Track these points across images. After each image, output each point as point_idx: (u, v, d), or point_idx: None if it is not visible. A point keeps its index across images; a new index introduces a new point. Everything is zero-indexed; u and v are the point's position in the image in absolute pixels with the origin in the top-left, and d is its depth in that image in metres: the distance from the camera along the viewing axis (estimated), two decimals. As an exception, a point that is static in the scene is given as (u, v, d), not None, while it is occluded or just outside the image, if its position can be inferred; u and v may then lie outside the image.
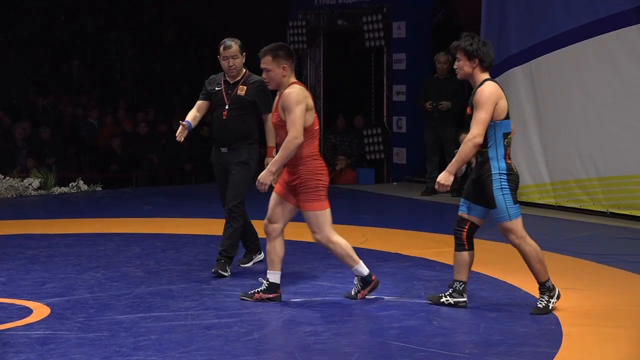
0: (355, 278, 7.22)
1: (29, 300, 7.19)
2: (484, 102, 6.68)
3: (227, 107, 7.99)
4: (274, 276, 7.10)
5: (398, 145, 15.16)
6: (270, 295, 7.07)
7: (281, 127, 6.92)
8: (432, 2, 15.16)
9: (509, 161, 6.78)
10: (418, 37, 14.88)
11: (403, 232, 10.36)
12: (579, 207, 11.53)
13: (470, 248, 6.92)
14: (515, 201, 6.76)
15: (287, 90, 6.88)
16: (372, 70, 15.45)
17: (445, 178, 6.86)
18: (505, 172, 6.72)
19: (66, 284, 7.75)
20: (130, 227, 10.63)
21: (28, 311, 6.86)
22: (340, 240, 7.12)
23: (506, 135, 6.77)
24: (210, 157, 8.29)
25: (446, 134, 13.03)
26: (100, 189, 14.46)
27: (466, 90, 13.54)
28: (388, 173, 15.28)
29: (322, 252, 9.03)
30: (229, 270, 8.00)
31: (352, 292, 7.22)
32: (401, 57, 14.96)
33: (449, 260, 8.51)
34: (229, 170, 8.03)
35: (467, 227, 6.91)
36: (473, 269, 7.66)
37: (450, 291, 6.96)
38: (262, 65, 6.98)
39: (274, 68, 6.95)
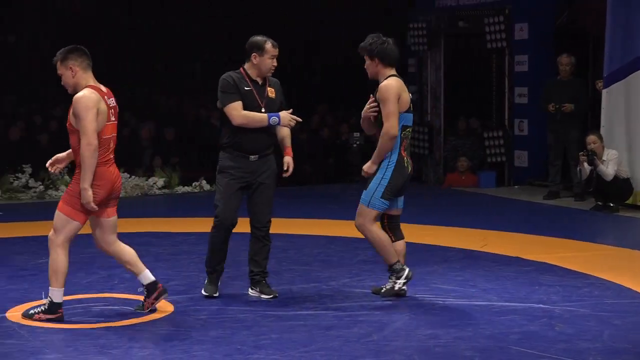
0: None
1: (153, 297, 7.35)
2: (387, 97, 7.09)
3: (262, 110, 7.31)
4: (57, 294, 6.63)
5: (520, 148, 14.96)
6: (51, 316, 6.60)
7: (72, 133, 6.55)
8: (555, 3, 14.91)
9: (403, 153, 7.18)
10: (540, 39, 14.65)
11: (524, 236, 10.21)
12: None
13: (398, 238, 7.34)
14: (387, 197, 7.13)
15: (76, 95, 6.48)
16: (493, 72, 15.29)
17: (368, 167, 7.22)
18: (394, 164, 7.12)
19: (189, 282, 7.89)
20: (251, 226, 10.73)
21: (153, 308, 7.01)
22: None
23: (405, 127, 7.17)
24: (223, 166, 7.41)
25: (569, 137, 12.81)
26: (222, 188, 14.63)
27: (590, 92, 13.31)
28: (509, 176, 15.08)
29: (441, 255, 9.01)
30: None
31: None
32: (523, 59, 14.76)
33: (572, 265, 8.42)
34: (258, 182, 7.35)
35: (385, 220, 7.32)
36: (597, 275, 7.55)
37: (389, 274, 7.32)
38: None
39: (64, 72, 6.56)
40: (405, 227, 10.60)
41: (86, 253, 9.15)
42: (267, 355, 5.84)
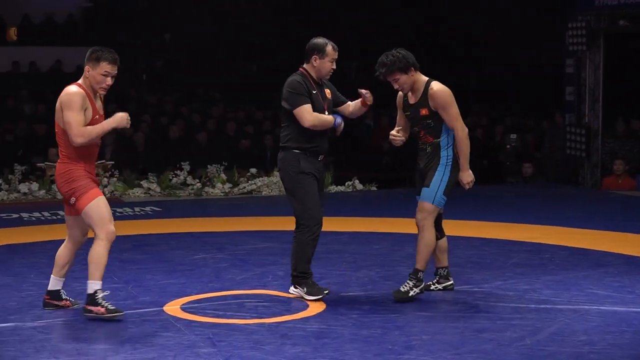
0: None
1: (305, 294, 7.43)
2: (448, 101, 7.10)
3: (326, 113, 7.37)
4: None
5: (682, 150, 14.51)
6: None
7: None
8: None
9: (455, 150, 7.20)
10: None
11: (686, 242, 9.88)
12: None
13: (442, 236, 7.45)
14: (447, 193, 7.17)
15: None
16: (655, 72, 14.87)
17: (467, 175, 7.22)
18: (451, 161, 7.15)
19: (341, 281, 7.94)
20: (404, 227, 10.70)
21: (304, 305, 7.09)
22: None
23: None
24: (303, 168, 7.33)
25: None
26: (375, 188, 14.69)
27: None
28: (670, 180, 14.63)
29: (598, 260, 8.79)
30: None
31: None
32: (687, 59, 14.31)
33: None
34: (320, 181, 7.55)
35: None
36: None
37: (437, 278, 7.52)
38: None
39: None
40: (561, 231, 10.47)
41: (240, 250, 9.34)
42: (418, 356, 5.82)
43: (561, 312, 6.86)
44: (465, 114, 18.44)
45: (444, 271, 7.57)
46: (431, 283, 7.56)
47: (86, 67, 6.69)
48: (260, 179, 14.35)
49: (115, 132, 16.22)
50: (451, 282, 7.61)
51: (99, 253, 6.58)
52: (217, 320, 6.67)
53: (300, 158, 7.32)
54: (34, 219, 11.77)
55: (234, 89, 19.67)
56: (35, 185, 13.66)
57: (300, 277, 7.31)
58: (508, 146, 16.05)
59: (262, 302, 7.22)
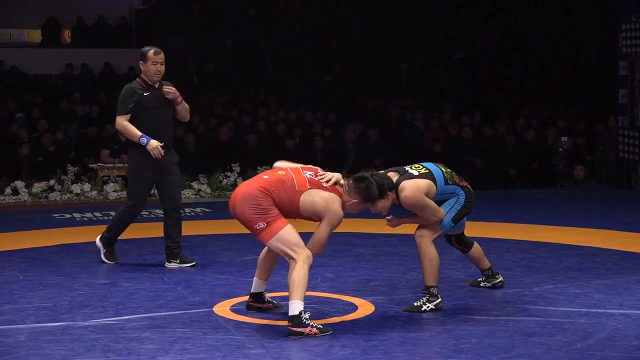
0: None
1: (354, 296, 7.43)
2: (420, 204, 6.88)
3: (162, 109, 8.49)
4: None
5: None
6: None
7: None
8: None
9: (463, 184, 7.13)
10: None
11: None
12: None
13: (469, 247, 7.52)
14: (457, 220, 7.09)
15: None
16: None
17: (397, 221, 7.26)
18: (463, 200, 7.08)
19: (390, 283, 7.93)
20: (453, 229, 10.67)
21: (353, 307, 7.09)
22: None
23: (446, 179, 7.03)
24: (135, 163, 8.55)
25: None
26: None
27: None
28: None
29: (651, 264, 8.70)
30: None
31: None
32: None
33: None
34: (168, 171, 8.55)
35: (453, 236, 7.44)
36: None
37: (484, 278, 7.67)
38: None
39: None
40: (613, 235, 10.37)
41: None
42: (467, 359, 5.80)
43: (612, 316, 6.79)
44: (517, 116, 18.28)
45: (488, 272, 7.66)
46: (480, 280, 7.72)
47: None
48: (310, 180, 14.34)
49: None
50: (499, 279, 7.68)
51: (300, 274, 6.31)
52: (266, 322, 6.69)
53: (137, 154, 8.48)
54: (85, 219, 11.91)
55: (284, 91, 19.73)
56: (87, 186, 13.82)
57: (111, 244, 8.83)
58: (560, 149, 15.93)
59: (311, 303, 7.22)
